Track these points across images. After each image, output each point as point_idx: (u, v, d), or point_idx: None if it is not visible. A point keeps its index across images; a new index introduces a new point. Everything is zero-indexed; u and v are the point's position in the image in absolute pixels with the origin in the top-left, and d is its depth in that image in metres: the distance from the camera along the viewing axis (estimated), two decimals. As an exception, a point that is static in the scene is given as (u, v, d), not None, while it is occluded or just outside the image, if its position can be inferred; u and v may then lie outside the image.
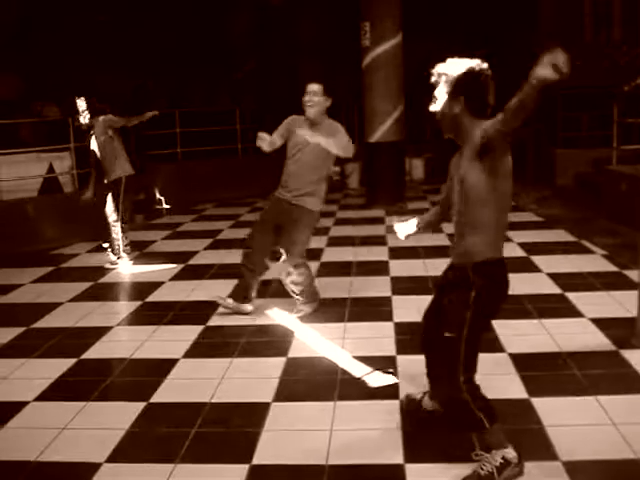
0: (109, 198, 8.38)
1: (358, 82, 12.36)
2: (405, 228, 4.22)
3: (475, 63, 3.43)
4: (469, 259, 3.45)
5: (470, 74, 3.40)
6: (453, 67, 3.43)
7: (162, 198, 12.90)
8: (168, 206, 12.72)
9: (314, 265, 8.04)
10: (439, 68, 3.47)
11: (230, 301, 6.37)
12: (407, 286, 7.08)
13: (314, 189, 6.09)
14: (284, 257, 6.11)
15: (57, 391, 4.88)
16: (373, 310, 6.37)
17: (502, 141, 3.20)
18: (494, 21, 15.34)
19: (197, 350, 5.56)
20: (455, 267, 3.60)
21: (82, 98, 8.22)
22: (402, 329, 5.77)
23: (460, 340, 3.42)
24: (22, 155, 10.13)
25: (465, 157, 3.38)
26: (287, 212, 6.04)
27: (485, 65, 3.43)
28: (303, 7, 16.30)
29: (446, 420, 3.81)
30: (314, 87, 6.13)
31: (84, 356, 5.52)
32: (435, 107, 3.49)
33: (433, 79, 3.48)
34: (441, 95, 3.45)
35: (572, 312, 6.07)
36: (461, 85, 3.39)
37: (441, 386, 3.62)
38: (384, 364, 5.05)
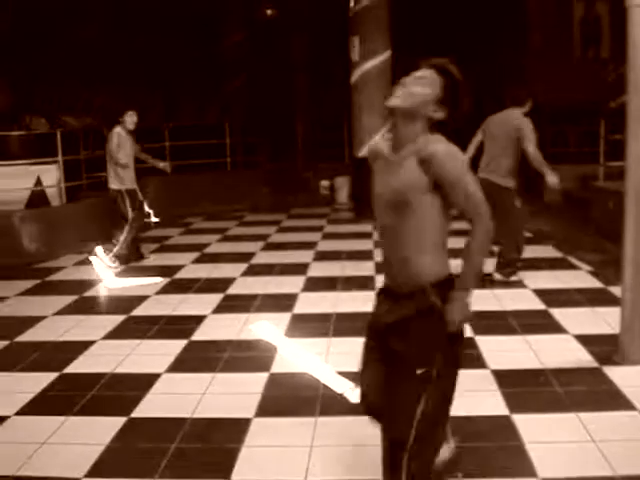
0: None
1: (348, 96, 12.39)
2: None
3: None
4: (426, 280, 2.96)
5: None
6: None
7: (151, 211, 12.87)
8: (157, 219, 12.70)
9: (300, 279, 8.05)
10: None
11: None
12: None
13: None
14: None
15: (38, 405, 4.85)
16: (358, 325, 6.35)
17: None
18: (484, 37, 15.44)
19: (180, 365, 5.54)
20: (403, 295, 3.01)
21: None
22: (386, 344, 5.76)
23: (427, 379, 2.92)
24: (10, 167, 10.11)
25: (410, 171, 2.92)
26: None
27: None
28: (294, 21, 16.37)
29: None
30: None
31: (67, 370, 5.49)
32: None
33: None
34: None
35: (556, 328, 6.08)
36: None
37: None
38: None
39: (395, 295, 3.06)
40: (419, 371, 2.92)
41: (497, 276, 7.54)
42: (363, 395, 3.28)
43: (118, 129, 8.80)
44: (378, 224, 3.13)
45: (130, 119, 8.81)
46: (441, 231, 2.99)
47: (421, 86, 2.99)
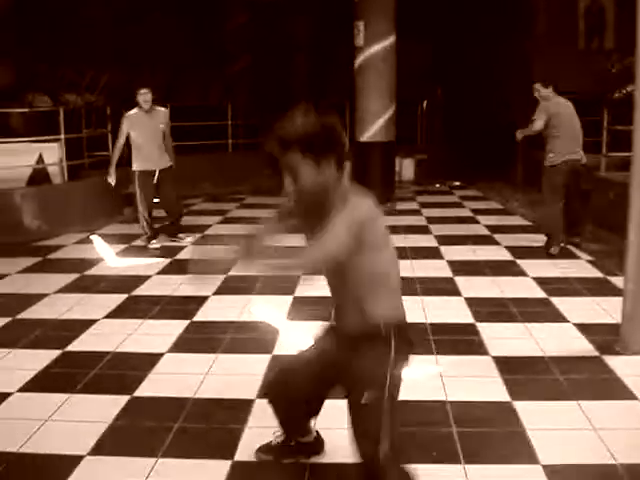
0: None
1: (351, 80, 12.35)
2: None
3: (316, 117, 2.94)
4: (381, 321, 3.06)
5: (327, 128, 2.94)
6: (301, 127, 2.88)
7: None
8: (157, 200, 12.68)
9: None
10: (287, 134, 2.89)
11: None
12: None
13: None
14: None
15: (41, 383, 4.87)
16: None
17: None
18: (489, 25, 15.40)
19: (182, 345, 5.57)
20: (354, 335, 3.13)
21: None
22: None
23: (381, 401, 3.02)
24: (12, 145, 10.09)
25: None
26: None
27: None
28: (298, 4, 16.28)
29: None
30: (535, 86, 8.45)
31: (69, 348, 5.50)
32: (301, 181, 2.94)
33: (283, 148, 2.91)
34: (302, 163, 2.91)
35: (557, 317, 6.10)
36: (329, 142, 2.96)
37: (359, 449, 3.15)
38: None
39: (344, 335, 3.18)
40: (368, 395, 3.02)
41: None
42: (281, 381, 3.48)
43: (132, 111, 8.73)
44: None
45: (142, 98, 8.61)
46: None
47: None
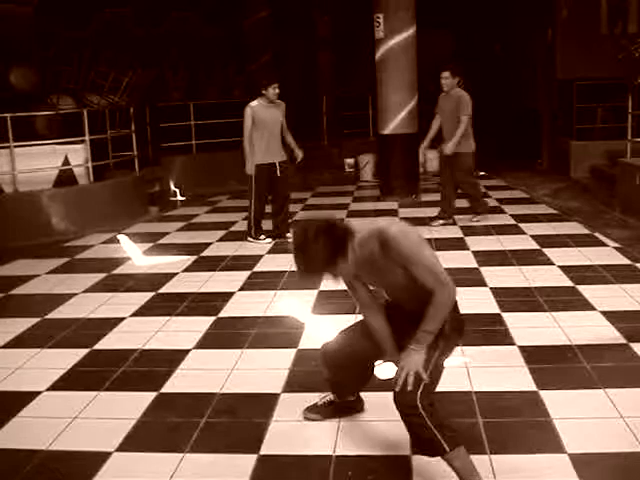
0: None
1: (373, 73, 12.32)
2: None
3: None
4: None
5: None
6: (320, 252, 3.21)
7: (176, 190, 12.97)
8: (182, 198, 12.79)
9: (326, 257, 8.04)
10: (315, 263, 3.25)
11: None
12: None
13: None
14: None
15: (69, 381, 4.93)
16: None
17: None
18: (511, 13, 15.30)
19: (208, 341, 5.61)
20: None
21: None
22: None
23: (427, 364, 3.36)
24: (38, 147, 10.18)
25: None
26: None
27: None
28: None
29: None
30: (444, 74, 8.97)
31: (97, 346, 5.56)
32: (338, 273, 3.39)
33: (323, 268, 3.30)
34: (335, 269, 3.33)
35: (583, 305, 6.05)
36: None
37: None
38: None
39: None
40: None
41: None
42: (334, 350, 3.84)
43: (254, 102, 8.64)
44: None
45: (274, 91, 8.52)
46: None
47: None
